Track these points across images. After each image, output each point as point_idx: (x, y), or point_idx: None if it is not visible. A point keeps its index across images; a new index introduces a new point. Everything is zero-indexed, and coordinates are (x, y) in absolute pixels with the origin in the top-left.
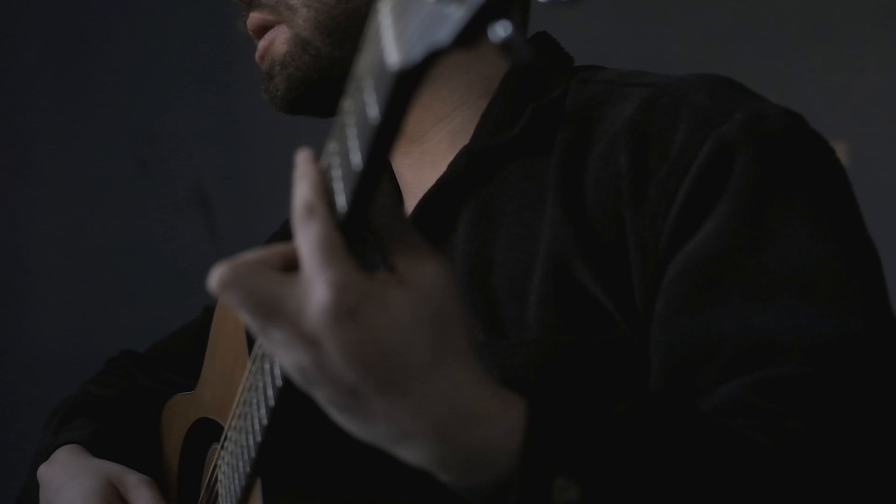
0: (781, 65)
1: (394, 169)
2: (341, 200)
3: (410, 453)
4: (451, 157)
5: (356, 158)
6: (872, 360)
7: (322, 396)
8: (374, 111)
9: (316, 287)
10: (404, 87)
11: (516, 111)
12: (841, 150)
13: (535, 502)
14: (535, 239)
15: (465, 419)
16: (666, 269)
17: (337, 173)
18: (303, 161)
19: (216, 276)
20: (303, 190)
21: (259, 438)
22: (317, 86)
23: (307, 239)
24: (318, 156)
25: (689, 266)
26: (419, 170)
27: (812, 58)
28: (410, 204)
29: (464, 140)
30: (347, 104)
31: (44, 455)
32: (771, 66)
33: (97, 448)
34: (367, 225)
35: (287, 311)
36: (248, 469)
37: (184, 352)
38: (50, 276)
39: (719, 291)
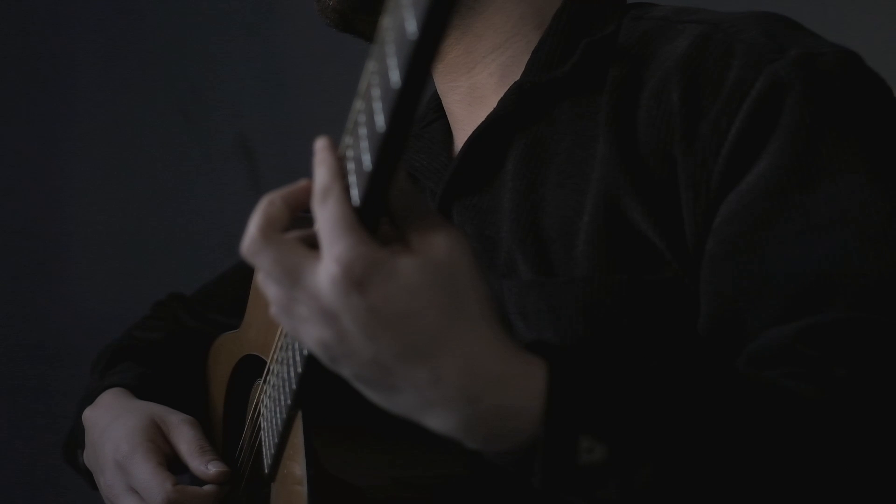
0: (838, 5)
1: (444, 106)
2: (380, 120)
3: (436, 422)
4: (501, 93)
5: (394, 76)
6: None
7: (348, 372)
8: (412, 26)
9: (326, 262)
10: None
11: (569, 47)
12: None
13: (560, 464)
14: (586, 177)
15: (485, 383)
16: (717, 209)
17: (376, 92)
18: (321, 148)
19: (248, 240)
20: (321, 174)
21: (300, 370)
22: (371, 1)
23: (323, 218)
24: (335, 143)
25: (741, 206)
26: (469, 105)
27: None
28: (461, 140)
29: (515, 75)
30: (386, 22)
31: (89, 399)
32: (827, 7)
33: (142, 391)
34: (385, 195)
35: (306, 284)
36: (289, 402)
37: (230, 293)
38: (93, 227)
39: (770, 232)
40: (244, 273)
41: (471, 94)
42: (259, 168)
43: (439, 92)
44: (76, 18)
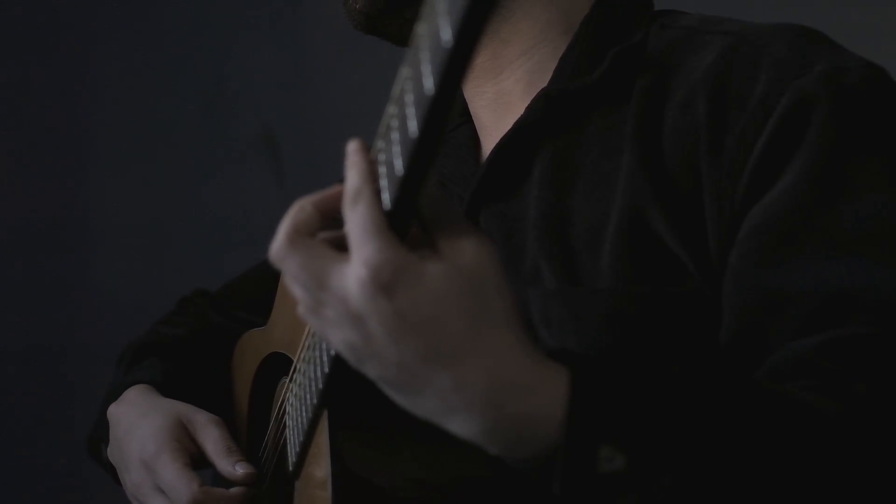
0: (864, 17)
1: (471, 110)
2: (413, 126)
3: (459, 426)
4: (528, 100)
5: (428, 83)
6: None
7: (373, 373)
8: (447, 34)
9: (354, 264)
10: (478, 8)
11: (596, 55)
12: None
13: (580, 472)
14: (612, 188)
15: (508, 390)
16: (741, 222)
17: (409, 98)
18: (353, 151)
19: (275, 245)
20: (353, 177)
21: (326, 369)
22: (399, 4)
23: (353, 221)
24: (367, 146)
25: (765, 220)
26: (495, 111)
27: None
28: (488, 146)
29: (542, 82)
30: (421, 28)
31: (114, 395)
32: (853, 19)
33: (167, 387)
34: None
35: (333, 287)
36: (315, 401)
37: (257, 289)
38: (116, 221)
39: (793, 246)
40: (271, 270)
41: (497, 100)
42: (283, 162)
43: (466, 97)
44: (98, 9)
